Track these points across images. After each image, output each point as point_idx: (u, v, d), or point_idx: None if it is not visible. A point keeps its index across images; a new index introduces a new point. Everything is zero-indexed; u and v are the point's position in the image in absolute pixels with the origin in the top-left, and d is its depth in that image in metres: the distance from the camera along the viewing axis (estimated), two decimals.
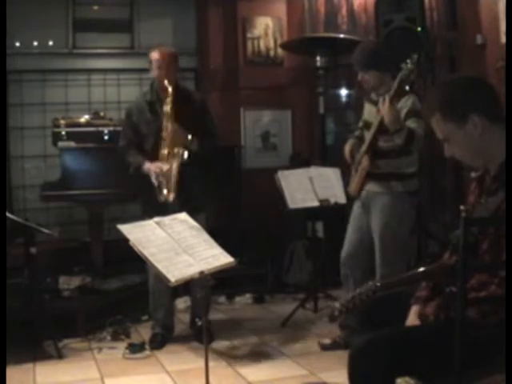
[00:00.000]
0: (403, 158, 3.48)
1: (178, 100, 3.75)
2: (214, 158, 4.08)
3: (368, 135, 3.52)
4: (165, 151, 3.72)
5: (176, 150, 3.70)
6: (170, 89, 3.72)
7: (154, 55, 3.81)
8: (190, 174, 3.76)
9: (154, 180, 3.72)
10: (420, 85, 4.62)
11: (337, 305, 1.99)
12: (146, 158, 3.83)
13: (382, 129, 3.36)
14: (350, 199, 3.79)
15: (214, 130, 3.98)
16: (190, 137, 3.74)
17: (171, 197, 3.68)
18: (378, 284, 1.95)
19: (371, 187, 3.56)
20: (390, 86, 3.46)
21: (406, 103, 3.39)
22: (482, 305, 1.77)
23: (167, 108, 3.72)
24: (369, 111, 3.65)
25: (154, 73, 3.83)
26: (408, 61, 3.13)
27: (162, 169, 3.69)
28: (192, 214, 3.57)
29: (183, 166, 3.71)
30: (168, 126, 3.71)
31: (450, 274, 1.89)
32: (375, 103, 3.56)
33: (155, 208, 3.67)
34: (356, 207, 3.69)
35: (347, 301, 1.97)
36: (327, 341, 3.68)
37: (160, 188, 3.72)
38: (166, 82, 3.73)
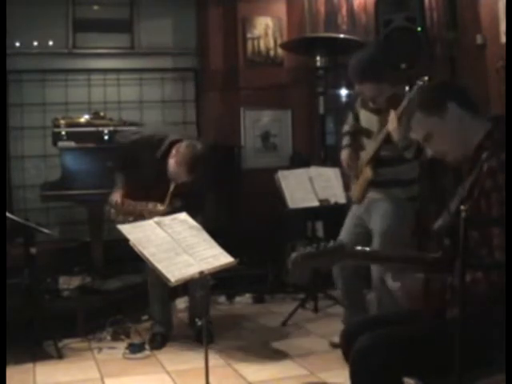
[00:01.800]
0: (404, 165, 3.46)
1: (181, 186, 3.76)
2: (213, 158, 4.08)
3: (370, 146, 3.51)
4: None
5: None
6: (171, 187, 3.72)
7: (181, 152, 3.72)
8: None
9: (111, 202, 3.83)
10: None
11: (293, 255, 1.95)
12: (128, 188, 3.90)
13: (387, 142, 3.34)
14: (351, 202, 3.79)
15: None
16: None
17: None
18: (343, 246, 1.94)
19: (372, 194, 3.55)
20: (389, 92, 3.44)
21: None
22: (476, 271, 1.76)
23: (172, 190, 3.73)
24: (368, 119, 3.60)
25: (172, 164, 3.76)
26: (420, 82, 3.10)
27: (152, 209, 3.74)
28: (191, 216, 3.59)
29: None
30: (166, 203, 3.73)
31: (434, 267, 1.90)
32: (374, 111, 3.54)
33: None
34: (353, 210, 3.68)
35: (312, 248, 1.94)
36: (337, 339, 3.67)
37: (109, 213, 3.83)
38: (173, 177, 3.73)
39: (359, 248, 2.02)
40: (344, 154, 3.69)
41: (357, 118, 3.69)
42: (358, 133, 3.66)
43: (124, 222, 3.51)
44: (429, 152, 2.05)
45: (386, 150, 3.42)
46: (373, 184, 3.50)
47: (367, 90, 3.48)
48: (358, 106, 3.69)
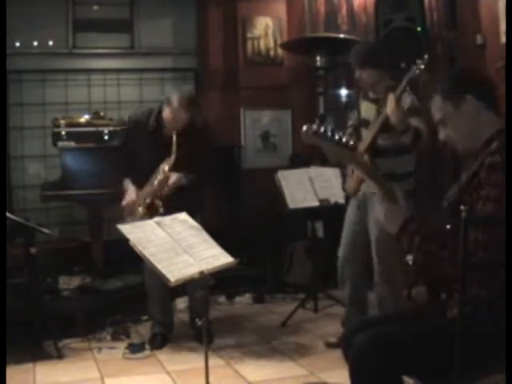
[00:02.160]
0: (401, 158, 3.47)
1: (183, 138, 3.75)
2: (214, 157, 4.08)
3: (367, 134, 3.51)
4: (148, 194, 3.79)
5: (156, 202, 3.76)
6: (174, 137, 3.72)
7: (172, 97, 3.78)
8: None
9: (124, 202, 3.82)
10: (419, 85, 4.61)
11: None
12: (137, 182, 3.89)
13: (384, 128, 3.35)
14: (347, 197, 3.79)
15: (207, 166, 3.96)
16: (184, 180, 3.80)
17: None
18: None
19: (368, 188, 3.55)
20: (388, 84, 3.45)
21: (404, 101, 3.37)
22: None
23: (170, 161, 3.73)
24: (367, 109, 3.62)
25: (167, 113, 3.80)
26: (419, 61, 3.11)
27: (133, 203, 3.80)
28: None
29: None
30: (165, 170, 3.74)
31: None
32: (373, 101, 3.55)
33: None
34: (351, 207, 3.70)
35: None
36: (333, 339, 3.68)
37: (122, 212, 3.82)
38: (172, 126, 3.75)
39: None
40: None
41: (359, 112, 3.71)
42: (359, 125, 3.67)
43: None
44: (441, 135, 2.07)
45: (383, 139, 3.42)
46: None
47: (367, 76, 3.51)
48: (360, 100, 3.71)
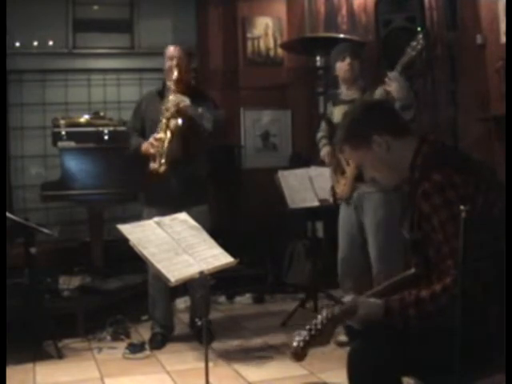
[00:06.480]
0: None
1: (188, 95, 3.76)
2: (214, 157, 4.09)
3: None
4: (163, 121, 3.70)
5: (172, 120, 3.69)
6: (176, 80, 3.74)
7: (169, 48, 3.88)
8: (192, 154, 3.78)
9: (148, 149, 3.69)
10: (420, 84, 4.62)
11: (295, 342, 1.90)
12: None
13: None
14: (338, 201, 3.78)
15: (221, 120, 3.96)
16: (200, 110, 3.72)
17: (162, 168, 3.64)
18: (334, 313, 1.94)
19: (362, 187, 3.57)
20: (362, 85, 3.53)
21: (382, 94, 3.37)
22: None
23: (172, 84, 3.73)
24: (341, 113, 3.63)
25: (166, 65, 3.86)
26: (413, 43, 3.10)
27: (155, 137, 3.68)
28: (194, 204, 3.60)
29: (186, 143, 3.74)
30: (170, 98, 3.70)
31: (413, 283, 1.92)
32: (348, 102, 3.57)
33: (158, 199, 3.74)
34: (344, 210, 3.71)
35: (304, 335, 1.94)
36: (343, 338, 3.66)
37: (154, 157, 3.67)
38: (175, 73, 3.75)
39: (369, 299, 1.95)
40: (323, 151, 3.80)
41: (329, 123, 3.76)
42: (333, 133, 3.69)
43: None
44: (366, 176, 2.07)
45: None
46: (360, 178, 3.51)
47: (347, 67, 3.60)
48: (330, 108, 3.76)
